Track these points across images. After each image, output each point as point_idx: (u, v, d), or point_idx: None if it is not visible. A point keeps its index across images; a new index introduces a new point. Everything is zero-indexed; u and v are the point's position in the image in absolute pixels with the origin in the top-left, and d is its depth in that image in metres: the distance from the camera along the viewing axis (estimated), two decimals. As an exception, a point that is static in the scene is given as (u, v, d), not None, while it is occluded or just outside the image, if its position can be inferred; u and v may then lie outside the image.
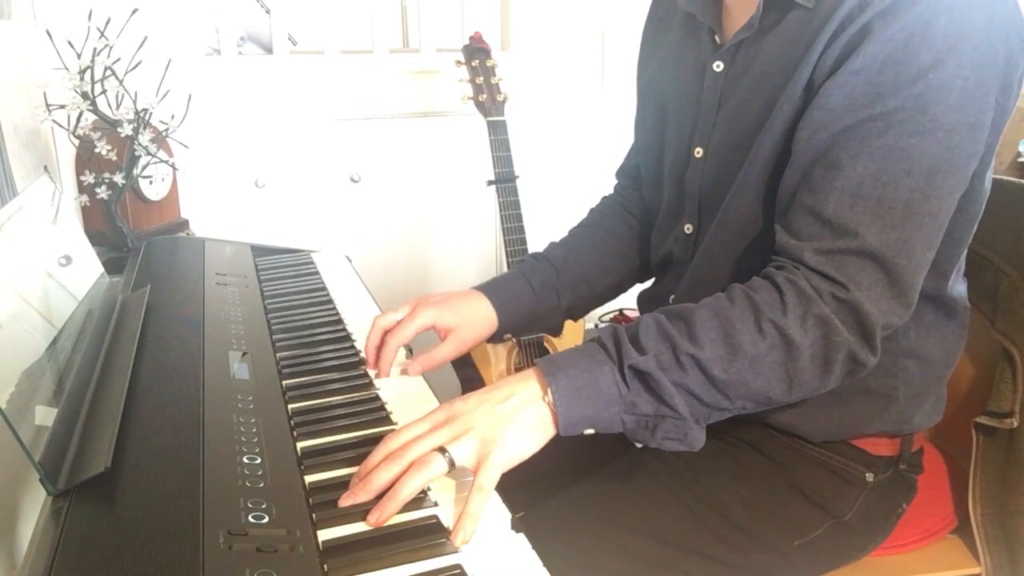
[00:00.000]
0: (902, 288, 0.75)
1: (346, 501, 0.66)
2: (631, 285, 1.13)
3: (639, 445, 0.76)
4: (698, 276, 0.95)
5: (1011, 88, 0.76)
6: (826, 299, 0.74)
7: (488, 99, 1.77)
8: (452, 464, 0.68)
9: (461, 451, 0.69)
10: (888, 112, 0.73)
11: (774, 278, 0.76)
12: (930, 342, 0.89)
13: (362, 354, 0.96)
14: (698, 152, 0.92)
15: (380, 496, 0.66)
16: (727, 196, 0.87)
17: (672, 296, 1.01)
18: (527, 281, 1.04)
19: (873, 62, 0.73)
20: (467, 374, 1.89)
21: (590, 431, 0.74)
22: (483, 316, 0.99)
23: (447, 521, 0.66)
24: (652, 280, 1.10)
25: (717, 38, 0.90)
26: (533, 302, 1.03)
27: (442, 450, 0.69)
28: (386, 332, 0.94)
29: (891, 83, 0.73)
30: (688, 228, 0.97)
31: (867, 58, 0.74)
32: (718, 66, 0.89)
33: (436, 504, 0.68)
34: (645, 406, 0.73)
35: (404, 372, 0.92)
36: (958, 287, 0.91)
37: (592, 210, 1.15)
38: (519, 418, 0.72)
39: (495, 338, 1.02)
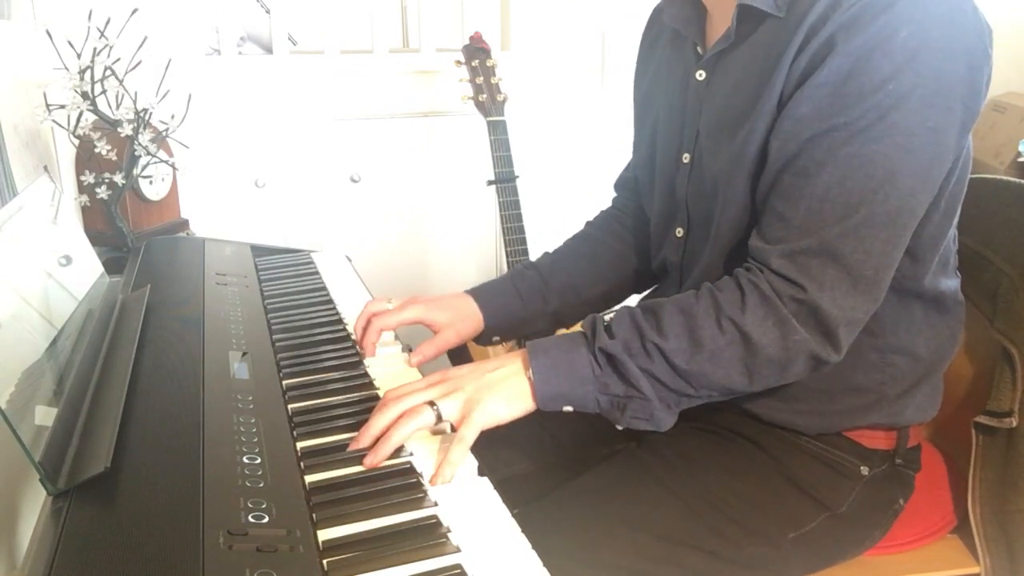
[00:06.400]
0: (866, 284, 0.79)
1: (353, 446, 0.76)
2: (623, 295, 1.17)
3: (619, 427, 0.83)
4: (695, 286, 0.95)
5: (978, 92, 0.79)
6: (786, 301, 0.79)
7: (488, 99, 1.77)
8: (439, 417, 0.78)
9: (448, 406, 0.79)
10: (850, 122, 0.77)
11: (739, 279, 0.82)
12: (920, 338, 0.92)
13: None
14: (686, 158, 0.96)
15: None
16: (716, 209, 0.90)
17: None
18: (514, 285, 1.09)
19: (837, 74, 0.77)
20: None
21: (568, 408, 0.82)
22: (470, 314, 1.05)
23: (441, 516, 0.66)
24: (654, 286, 1.12)
25: (700, 49, 0.94)
26: (519, 305, 1.08)
27: (432, 405, 0.78)
28: (373, 316, 1.00)
29: (853, 95, 0.76)
30: (679, 232, 0.99)
31: (831, 71, 0.77)
32: (700, 75, 0.93)
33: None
34: (615, 387, 0.81)
35: (407, 363, 0.97)
36: (947, 282, 0.92)
37: (587, 223, 1.20)
38: (503, 386, 0.81)
39: (484, 340, 1.07)
